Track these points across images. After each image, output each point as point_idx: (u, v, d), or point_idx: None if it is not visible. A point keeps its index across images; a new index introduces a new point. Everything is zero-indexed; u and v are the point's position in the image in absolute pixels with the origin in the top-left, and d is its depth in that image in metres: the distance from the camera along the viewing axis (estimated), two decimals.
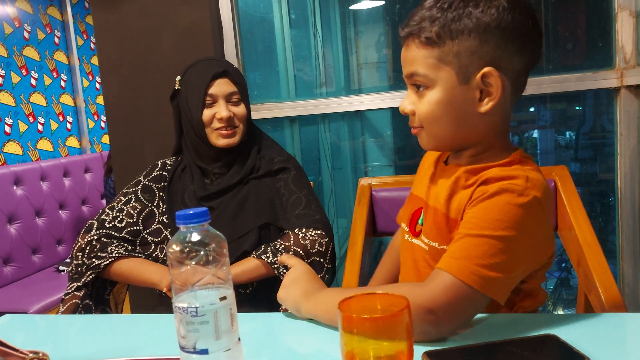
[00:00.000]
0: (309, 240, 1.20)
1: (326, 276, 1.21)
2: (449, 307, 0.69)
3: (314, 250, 1.20)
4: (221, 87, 1.27)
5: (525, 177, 0.74)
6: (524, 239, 0.73)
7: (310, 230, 1.22)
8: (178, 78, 1.32)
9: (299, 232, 1.21)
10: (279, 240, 1.22)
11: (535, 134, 2.76)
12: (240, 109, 1.29)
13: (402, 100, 0.83)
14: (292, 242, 1.20)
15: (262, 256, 1.19)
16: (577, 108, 2.81)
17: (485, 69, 0.75)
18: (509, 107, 0.81)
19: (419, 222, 0.90)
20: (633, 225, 1.57)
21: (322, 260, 1.21)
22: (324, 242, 1.21)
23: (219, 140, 1.28)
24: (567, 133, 2.79)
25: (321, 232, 1.22)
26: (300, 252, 1.19)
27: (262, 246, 1.22)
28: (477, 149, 0.83)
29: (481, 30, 0.74)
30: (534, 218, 0.73)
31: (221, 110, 1.26)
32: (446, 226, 0.82)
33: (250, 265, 1.20)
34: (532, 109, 2.73)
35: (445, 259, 0.73)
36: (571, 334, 0.70)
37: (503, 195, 0.73)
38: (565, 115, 2.81)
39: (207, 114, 1.27)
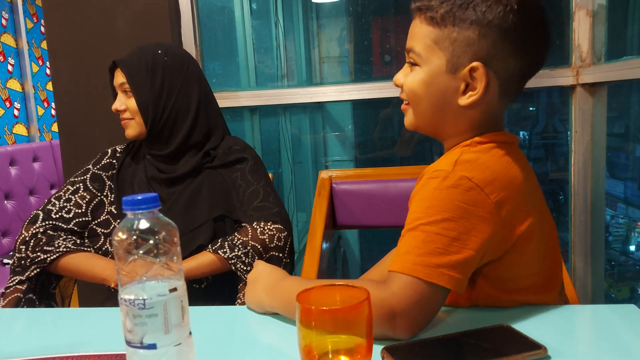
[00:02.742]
0: (267, 235, 1.17)
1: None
2: (405, 309, 0.67)
3: (272, 245, 1.17)
4: (117, 78, 1.25)
5: (454, 161, 0.73)
6: (461, 217, 0.70)
7: (269, 224, 1.19)
8: None
9: (257, 226, 1.18)
10: (236, 234, 1.18)
11: None
12: (130, 102, 1.24)
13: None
14: (250, 236, 1.16)
15: (219, 251, 1.15)
16: (531, 109, 2.88)
17: (474, 64, 0.74)
18: (496, 109, 0.79)
19: None
20: (585, 221, 1.61)
21: (280, 255, 1.18)
22: (282, 237, 1.18)
23: None
24: (521, 133, 2.86)
25: (280, 226, 1.19)
26: (259, 246, 1.16)
27: (219, 240, 1.18)
28: (454, 141, 0.81)
29: (483, 24, 0.74)
30: (467, 196, 0.70)
31: (115, 101, 1.26)
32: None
33: (205, 260, 1.16)
34: None
35: (392, 261, 0.72)
36: (526, 325, 0.71)
37: (429, 183, 0.73)
38: (520, 116, 2.87)
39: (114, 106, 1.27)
